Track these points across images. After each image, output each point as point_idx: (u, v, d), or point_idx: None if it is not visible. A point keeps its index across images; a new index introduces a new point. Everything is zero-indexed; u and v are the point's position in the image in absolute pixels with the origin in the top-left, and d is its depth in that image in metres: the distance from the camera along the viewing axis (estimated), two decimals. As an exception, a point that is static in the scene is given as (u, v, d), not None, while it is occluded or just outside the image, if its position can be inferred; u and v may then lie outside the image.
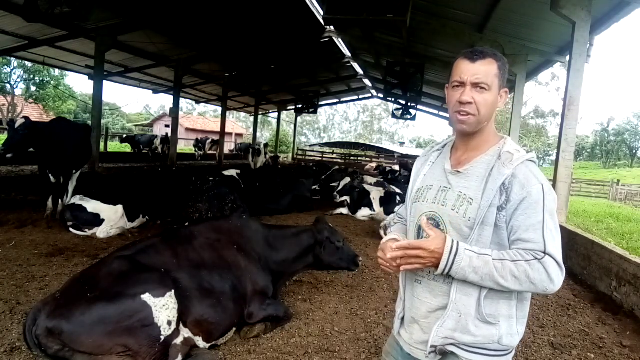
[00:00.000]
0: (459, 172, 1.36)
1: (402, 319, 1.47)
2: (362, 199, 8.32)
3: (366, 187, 8.77)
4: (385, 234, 1.47)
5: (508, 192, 1.24)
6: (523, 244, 1.21)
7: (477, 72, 1.29)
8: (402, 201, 7.63)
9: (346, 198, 8.59)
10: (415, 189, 1.47)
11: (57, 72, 26.84)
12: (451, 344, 1.30)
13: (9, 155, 5.29)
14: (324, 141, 50.42)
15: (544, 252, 1.19)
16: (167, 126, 25.01)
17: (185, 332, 2.50)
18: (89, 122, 11.55)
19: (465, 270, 1.20)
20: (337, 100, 30.06)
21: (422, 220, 1.29)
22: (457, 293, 1.28)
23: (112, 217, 5.46)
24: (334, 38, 14.37)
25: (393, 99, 19.88)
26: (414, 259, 1.24)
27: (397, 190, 8.81)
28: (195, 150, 23.31)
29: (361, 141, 46.72)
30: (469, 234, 1.27)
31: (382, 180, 11.76)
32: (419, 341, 1.38)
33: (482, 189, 1.27)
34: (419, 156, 1.60)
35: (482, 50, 1.32)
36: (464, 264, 1.20)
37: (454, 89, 1.33)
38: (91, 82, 11.18)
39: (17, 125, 5.22)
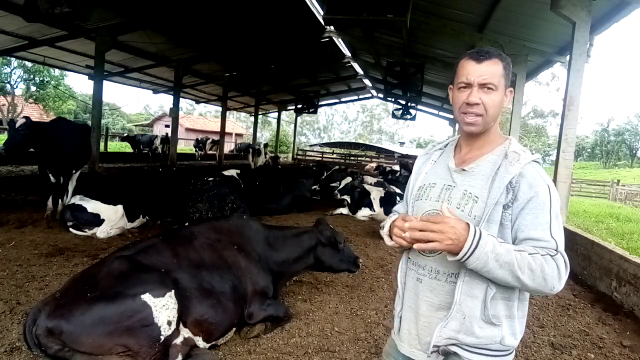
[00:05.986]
0: (464, 170, 1.35)
1: (401, 317, 1.46)
2: (362, 199, 8.31)
3: (366, 187, 8.76)
4: None
5: (515, 190, 1.23)
6: (534, 242, 1.20)
7: (484, 72, 1.28)
8: (402, 201, 7.60)
9: (346, 198, 8.59)
10: (417, 187, 1.45)
11: (57, 72, 26.88)
12: (454, 344, 1.29)
13: (3, 154, 5.29)
14: (324, 141, 50.38)
15: (557, 250, 1.19)
16: (167, 126, 25.07)
17: (185, 332, 2.50)
18: (89, 122, 11.55)
19: (487, 256, 1.14)
20: (337, 100, 30.07)
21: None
22: (461, 294, 1.26)
23: (112, 217, 5.46)
24: (334, 38, 14.36)
25: (393, 99, 19.88)
26: (434, 234, 1.16)
27: (397, 191, 8.80)
28: (196, 150, 23.30)
29: (361, 141, 46.69)
30: None
31: (382, 180, 11.75)
32: (420, 342, 1.37)
33: (489, 187, 1.27)
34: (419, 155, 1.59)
35: (487, 50, 1.32)
36: (487, 248, 1.14)
37: (460, 90, 1.32)
38: (91, 82, 11.17)
39: (17, 125, 5.23)
